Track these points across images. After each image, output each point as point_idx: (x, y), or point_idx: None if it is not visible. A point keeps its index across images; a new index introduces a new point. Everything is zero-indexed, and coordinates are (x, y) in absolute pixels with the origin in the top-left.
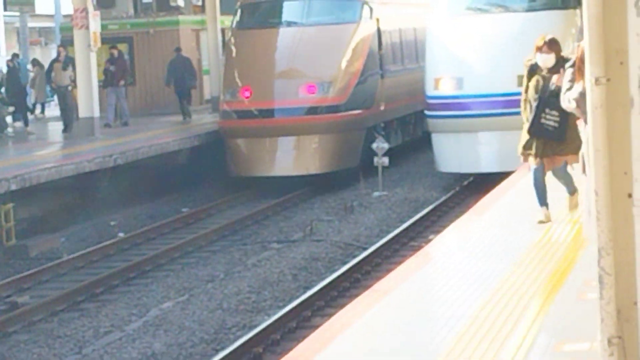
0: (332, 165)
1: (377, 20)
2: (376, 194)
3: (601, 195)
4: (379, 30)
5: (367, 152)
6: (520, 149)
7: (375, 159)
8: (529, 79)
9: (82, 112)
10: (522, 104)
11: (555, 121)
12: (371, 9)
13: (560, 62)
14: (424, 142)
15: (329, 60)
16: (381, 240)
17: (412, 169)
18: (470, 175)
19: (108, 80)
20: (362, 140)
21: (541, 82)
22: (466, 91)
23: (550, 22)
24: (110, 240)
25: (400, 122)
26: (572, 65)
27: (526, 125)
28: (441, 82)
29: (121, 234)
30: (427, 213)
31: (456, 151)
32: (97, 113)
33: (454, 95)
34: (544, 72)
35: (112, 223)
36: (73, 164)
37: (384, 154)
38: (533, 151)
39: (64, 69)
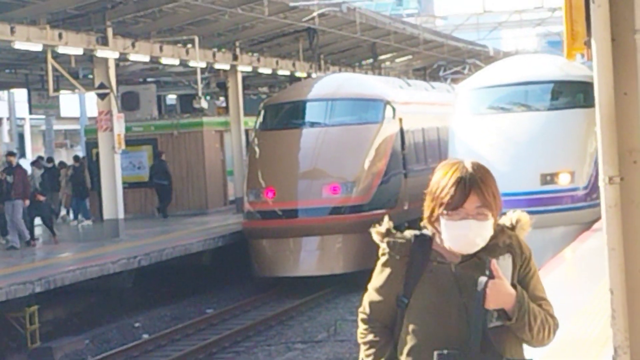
0: (356, 264)
1: (400, 120)
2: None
3: (617, 293)
4: (401, 130)
5: None
6: None
7: None
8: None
9: (107, 214)
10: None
11: None
12: (394, 109)
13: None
14: None
15: (352, 160)
16: None
17: None
18: None
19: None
20: None
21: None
22: None
23: (572, 121)
24: (134, 342)
25: None
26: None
27: None
28: None
29: (145, 336)
30: None
31: None
32: (121, 215)
33: None
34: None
35: (136, 324)
36: (97, 265)
37: None
38: None
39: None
